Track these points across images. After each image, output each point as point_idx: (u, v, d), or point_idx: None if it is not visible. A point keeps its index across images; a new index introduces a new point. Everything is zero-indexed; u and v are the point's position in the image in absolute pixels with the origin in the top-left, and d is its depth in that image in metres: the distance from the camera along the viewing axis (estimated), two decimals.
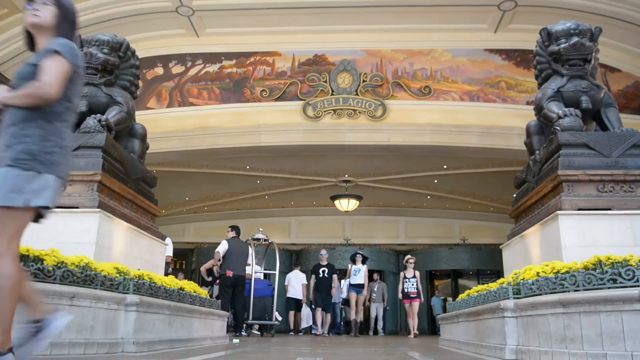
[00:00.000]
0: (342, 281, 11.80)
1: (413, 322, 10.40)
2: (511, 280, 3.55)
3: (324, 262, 10.73)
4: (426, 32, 9.69)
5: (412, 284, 10.52)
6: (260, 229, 9.65)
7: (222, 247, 8.23)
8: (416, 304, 10.49)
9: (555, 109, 4.59)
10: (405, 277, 10.69)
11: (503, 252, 5.62)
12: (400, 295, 10.68)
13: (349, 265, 10.89)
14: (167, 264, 7.59)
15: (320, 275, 10.52)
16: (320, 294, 10.46)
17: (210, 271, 8.87)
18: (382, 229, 16.23)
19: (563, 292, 2.90)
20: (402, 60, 9.90)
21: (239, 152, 9.97)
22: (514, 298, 3.40)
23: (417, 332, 10.30)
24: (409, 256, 11.09)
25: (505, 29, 9.51)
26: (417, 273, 10.73)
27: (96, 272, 3.30)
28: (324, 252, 11.06)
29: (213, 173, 12.18)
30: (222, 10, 9.34)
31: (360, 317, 11.15)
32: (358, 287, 10.49)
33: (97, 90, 4.84)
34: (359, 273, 10.54)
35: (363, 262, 10.65)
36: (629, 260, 2.75)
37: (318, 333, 10.54)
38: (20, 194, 2.00)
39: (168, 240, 7.73)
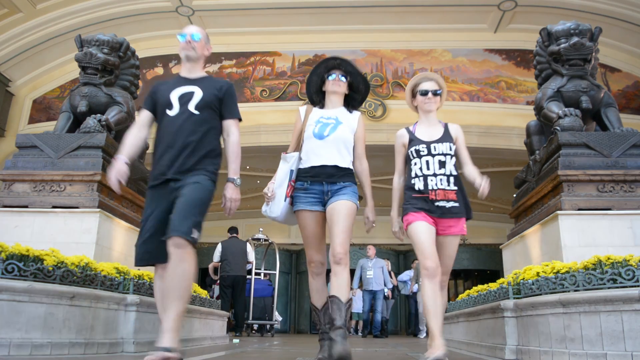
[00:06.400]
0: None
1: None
2: (511, 280, 3.55)
3: None
4: (426, 32, 9.69)
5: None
6: (261, 229, 9.65)
7: (217, 251, 8.26)
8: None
9: (555, 109, 4.59)
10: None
11: (503, 252, 5.62)
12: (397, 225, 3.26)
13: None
14: None
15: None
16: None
17: (217, 270, 8.93)
18: (382, 229, 16.07)
19: (563, 292, 2.89)
20: (402, 60, 9.90)
21: None
22: (514, 298, 3.40)
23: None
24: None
25: (505, 29, 9.51)
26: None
27: (96, 272, 3.30)
28: None
29: None
30: (222, 10, 9.35)
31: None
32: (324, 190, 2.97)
33: (97, 90, 4.84)
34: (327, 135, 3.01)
35: (350, 106, 3.21)
36: (629, 260, 2.74)
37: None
38: None
39: None
